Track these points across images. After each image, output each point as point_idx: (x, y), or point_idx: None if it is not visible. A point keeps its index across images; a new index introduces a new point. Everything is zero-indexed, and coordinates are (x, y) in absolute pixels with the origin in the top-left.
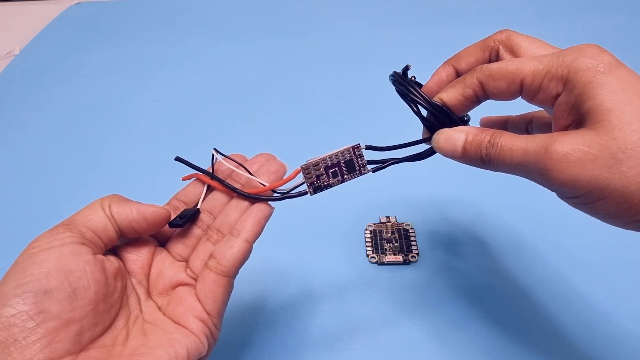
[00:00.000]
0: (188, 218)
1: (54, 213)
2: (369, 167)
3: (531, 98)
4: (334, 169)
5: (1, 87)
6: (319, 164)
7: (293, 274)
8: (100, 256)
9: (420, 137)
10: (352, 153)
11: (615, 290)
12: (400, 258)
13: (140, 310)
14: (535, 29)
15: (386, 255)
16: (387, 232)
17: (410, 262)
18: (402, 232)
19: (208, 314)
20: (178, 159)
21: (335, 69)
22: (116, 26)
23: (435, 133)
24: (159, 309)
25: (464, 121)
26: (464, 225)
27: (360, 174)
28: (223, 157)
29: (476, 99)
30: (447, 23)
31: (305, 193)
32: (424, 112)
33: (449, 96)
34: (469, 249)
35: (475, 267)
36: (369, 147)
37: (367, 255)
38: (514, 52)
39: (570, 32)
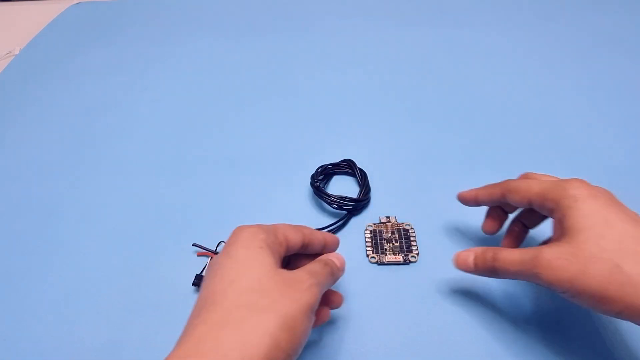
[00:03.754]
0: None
1: (53, 213)
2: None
3: (539, 209)
4: None
5: (1, 87)
6: None
7: None
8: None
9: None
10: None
11: None
12: (400, 258)
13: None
14: (536, 28)
15: (386, 255)
16: (387, 232)
17: (410, 262)
18: (402, 232)
19: None
20: (195, 244)
21: (335, 68)
22: (116, 26)
23: (454, 255)
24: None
25: (362, 202)
26: (464, 225)
27: None
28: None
29: (497, 200)
30: (447, 23)
31: None
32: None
33: (483, 191)
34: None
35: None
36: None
37: (367, 255)
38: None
39: (570, 32)
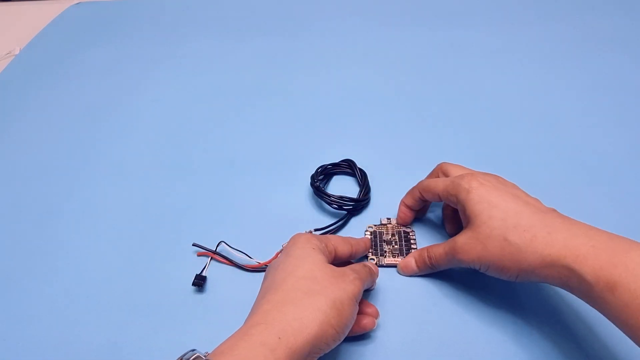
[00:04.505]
0: (204, 281)
1: (53, 213)
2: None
3: (447, 202)
4: None
5: (1, 87)
6: None
7: None
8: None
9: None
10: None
11: None
12: (399, 261)
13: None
14: (535, 29)
15: (385, 257)
16: (387, 233)
17: None
18: (402, 235)
19: None
20: (195, 244)
21: (335, 68)
22: (116, 26)
23: (398, 264)
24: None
25: (362, 202)
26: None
27: None
28: (230, 247)
29: (421, 201)
30: (447, 24)
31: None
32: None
33: (408, 199)
34: None
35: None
36: (316, 229)
37: (367, 257)
38: (446, 174)
39: (570, 32)
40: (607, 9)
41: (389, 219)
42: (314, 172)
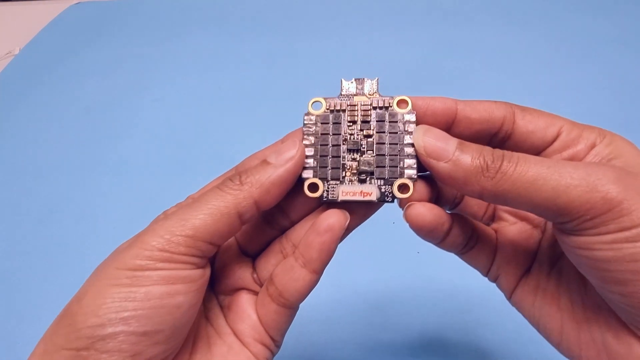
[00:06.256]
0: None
1: (53, 213)
2: None
3: (568, 144)
4: None
5: (1, 87)
6: None
7: None
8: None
9: None
10: None
11: None
12: (371, 192)
13: (204, 305)
14: (535, 28)
15: (342, 184)
16: (350, 118)
17: (393, 198)
18: (388, 123)
19: (271, 338)
20: None
21: (335, 68)
22: (116, 26)
23: (415, 130)
24: (222, 309)
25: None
26: None
27: None
28: None
29: (498, 121)
30: (447, 24)
31: None
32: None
33: (472, 109)
34: None
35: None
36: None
37: (304, 180)
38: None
39: (570, 32)
40: (607, 9)
41: (361, 80)
42: None
